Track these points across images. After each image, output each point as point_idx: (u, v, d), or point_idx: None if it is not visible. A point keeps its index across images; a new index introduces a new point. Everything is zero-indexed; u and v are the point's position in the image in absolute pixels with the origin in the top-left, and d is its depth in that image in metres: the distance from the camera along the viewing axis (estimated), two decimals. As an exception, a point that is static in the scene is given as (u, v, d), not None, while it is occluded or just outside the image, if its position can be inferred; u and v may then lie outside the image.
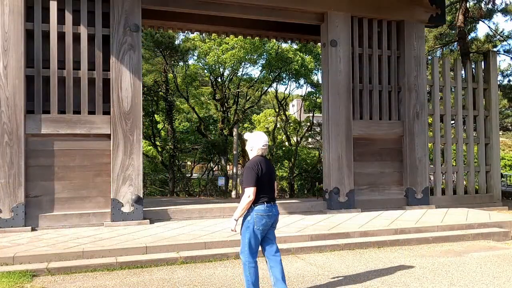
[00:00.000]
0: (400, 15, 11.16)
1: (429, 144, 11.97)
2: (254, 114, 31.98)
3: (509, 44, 22.34)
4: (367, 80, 10.99)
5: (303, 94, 30.29)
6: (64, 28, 8.60)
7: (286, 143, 29.03)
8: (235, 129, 25.09)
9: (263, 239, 4.57)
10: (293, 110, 37.00)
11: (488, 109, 12.61)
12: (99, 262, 6.03)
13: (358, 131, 10.69)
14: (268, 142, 4.90)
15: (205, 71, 27.21)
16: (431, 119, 12.23)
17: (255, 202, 4.42)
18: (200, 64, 26.91)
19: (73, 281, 5.46)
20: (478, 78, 12.64)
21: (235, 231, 4.49)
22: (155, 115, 26.84)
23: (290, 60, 24.29)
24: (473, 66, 13.74)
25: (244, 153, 28.17)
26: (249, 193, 4.35)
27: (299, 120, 29.81)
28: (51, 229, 8.17)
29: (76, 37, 8.71)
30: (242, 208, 4.40)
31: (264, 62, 25.61)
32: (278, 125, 28.24)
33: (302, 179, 25.47)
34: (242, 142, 27.82)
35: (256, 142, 4.56)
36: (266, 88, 28.86)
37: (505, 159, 29.61)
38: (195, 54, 26.01)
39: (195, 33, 15.00)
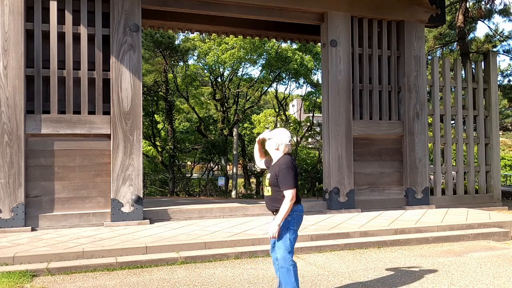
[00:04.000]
0: (400, 15, 11.16)
1: (429, 144, 11.97)
2: (254, 114, 32.00)
3: (509, 44, 22.37)
4: (367, 80, 10.99)
5: (303, 94, 30.33)
6: (64, 28, 8.59)
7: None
8: (235, 129, 25.10)
9: None
10: (293, 110, 37.04)
11: (488, 109, 12.61)
12: (99, 262, 6.03)
13: (358, 131, 10.69)
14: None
15: (205, 71, 27.24)
16: (431, 119, 12.23)
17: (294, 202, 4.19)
18: (200, 64, 26.94)
19: (73, 281, 5.46)
20: (478, 78, 12.63)
21: (276, 237, 4.17)
22: (155, 115, 26.86)
23: (289, 60, 24.31)
24: (473, 66, 13.74)
25: (244, 153, 28.18)
26: (292, 195, 4.10)
27: (299, 120, 29.84)
28: (51, 229, 8.17)
29: (76, 37, 8.71)
30: (286, 213, 4.10)
31: (264, 62, 25.63)
32: (278, 125, 28.24)
33: (302, 179, 25.47)
34: (242, 142, 27.86)
35: (282, 139, 4.30)
36: (266, 88, 28.88)
37: (505, 159, 29.66)
38: (195, 54, 26.03)
39: (195, 33, 14.99)
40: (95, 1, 8.78)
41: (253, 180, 29.73)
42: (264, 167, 4.64)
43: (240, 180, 28.46)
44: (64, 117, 8.49)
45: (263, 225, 8.34)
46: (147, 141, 26.53)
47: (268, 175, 4.37)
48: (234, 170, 24.66)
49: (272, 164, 4.38)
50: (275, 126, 28.21)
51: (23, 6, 8.21)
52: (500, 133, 21.56)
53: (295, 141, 27.72)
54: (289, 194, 4.10)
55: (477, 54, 19.95)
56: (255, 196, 23.27)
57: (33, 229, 8.04)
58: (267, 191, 4.32)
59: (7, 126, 8.05)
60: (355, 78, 10.81)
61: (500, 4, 17.75)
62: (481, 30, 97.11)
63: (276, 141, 4.31)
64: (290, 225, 4.21)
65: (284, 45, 24.45)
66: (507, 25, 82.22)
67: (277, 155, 4.34)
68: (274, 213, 4.27)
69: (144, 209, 8.89)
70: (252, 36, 13.36)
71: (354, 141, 10.60)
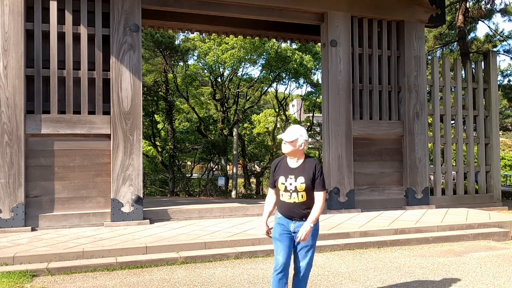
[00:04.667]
0: (400, 15, 11.16)
1: (429, 144, 11.97)
2: (254, 114, 32.00)
3: (509, 44, 22.38)
4: (367, 80, 10.99)
5: (303, 94, 30.33)
6: (64, 28, 8.59)
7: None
8: (235, 129, 25.10)
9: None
10: (293, 110, 37.05)
11: (488, 109, 12.61)
12: (99, 262, 6.03)
13: (358, 131, 10.69)
14: None
15: (205, 71, 27.24)
16: (431, 119, 12.23)
17: None
18: (200, 64, 26.94)
19: (73, 281, 5.46)
20: (478, 78, 12.63)
21: (306, 240, 3.87)
22: (155, 115, 26.86)
23: (289, 60, 24.33)
24: (473, 66, 13.74)
25: (244, 153, 28.18)
26: (325, 195, 3.93)
27: (299, 120, 29.85)
28: (51, 229, 8.17)
29: (76, 37, 8.71)
30: (319, 213, 3.90)
31: (264, 62, 25.64)
32: (278, 125, 28.25)
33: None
34: (242, 142, 27.85)
35: (305, 135, 3.92)
36: (266, 88, 28.89)
37: (505, 159, 29.67)
38: (195, 54, 26.04)
39: (195, 33, 15.00)
40: (95, 1, 8.78)
41: (253, 180, 29.73)
42: (274, 185, 4.06)
43: (240, 180, 28.46)
44: (64, 117, 8.49)
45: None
46: (147, 141, 26.53)
47: (300, 179, 3.84)
48: (234, 170, 24.65)
49: (293, 166, 3.93)
50: (275, 126, 28.20)
51: (23, 6, 8.21)
52: (500, 133, 21.56)
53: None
54: (323, 195, 3.88)
55: (477, 54, 19.95)
56: (255, 196, 23.28)
57: (33, 229, 8.04)
58: (300, 197, 3.85)
59: (7, 126, 8.05)
60: (355, 78, 10.80)
61: (501, 4, 17.76)
62: (481, 30, 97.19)
63: (302, 139, 3.88)
64: (317, 231, 4.06)
65: (284, 45, 24.47)
66: (507, 25, 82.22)
67: (300, 155, 3.94)
68: (294, 219, 3.91)
69: (144, 209, 8.89)
70: (252, 36, 13.36)
71: (354, 141, 10.60)
